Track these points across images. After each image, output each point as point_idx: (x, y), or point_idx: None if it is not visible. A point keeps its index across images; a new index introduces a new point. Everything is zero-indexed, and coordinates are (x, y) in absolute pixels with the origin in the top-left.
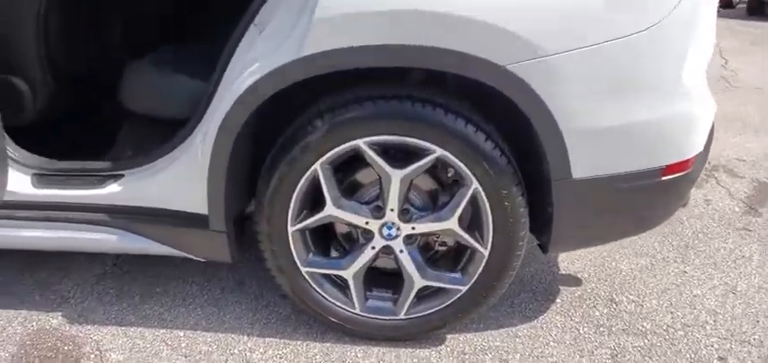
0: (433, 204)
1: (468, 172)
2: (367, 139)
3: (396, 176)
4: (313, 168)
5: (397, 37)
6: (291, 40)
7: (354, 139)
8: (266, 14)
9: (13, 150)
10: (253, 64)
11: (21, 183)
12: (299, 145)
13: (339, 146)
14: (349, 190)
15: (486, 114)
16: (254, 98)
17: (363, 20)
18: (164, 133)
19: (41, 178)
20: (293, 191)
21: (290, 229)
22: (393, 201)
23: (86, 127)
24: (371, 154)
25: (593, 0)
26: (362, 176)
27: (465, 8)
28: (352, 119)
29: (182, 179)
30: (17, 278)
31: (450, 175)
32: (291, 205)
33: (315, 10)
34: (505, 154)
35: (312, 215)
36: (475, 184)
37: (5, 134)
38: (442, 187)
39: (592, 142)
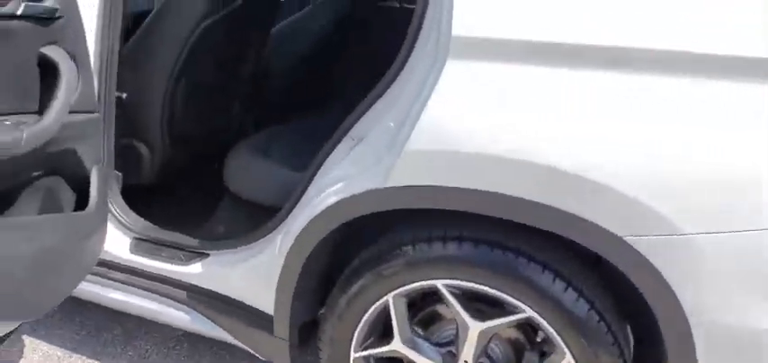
0: (517, 361)
1: (562, 344)
2: (447, 282)
3: (474, 328)
4: (385, 299)
5: (501, 185)
6: (382, 166)
7: (433, 279)
8: (364, 127)
9: (121, 212)
10: (338, 182)
11: (121, 246)
12: (373, 272)
13: (415, 282)
14: (423, 322)
15: (593, 280)
16: (334, 218)
17: (467, 161)
18: (257, 218)
19: (139, 244)
20: (361, 318)
21: (353, 355)
22: (468, 354)
23: (194, 191)
24: (450, 299)
25: (751, 178)
26: (440, 310)
27: (598, 172)
28: (432, 258)
29: (257, 274)
30: (108, 324)
31: (539, 339)
32: (357, 331)
33: (411, 136)
34: (612, 332)
35: (379, 345)
36: (569, 358)
37: (119, 194)
38: (531, 345)
39: (729, 344)
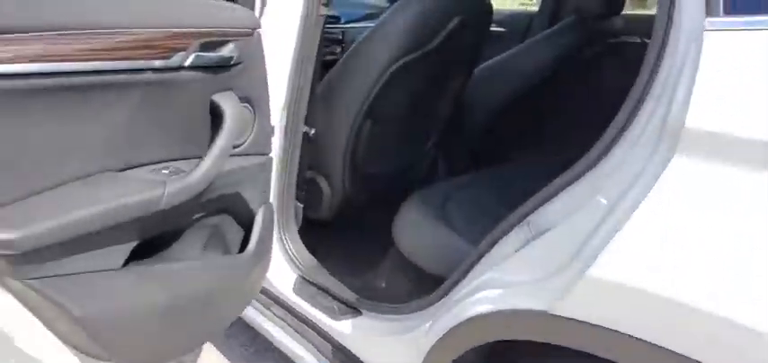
0: None
1: None
2: None
3: None
4: None
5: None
6: (560, 281)
7: None
8: (547, 218)
9: (293, 247)
10: (498, 284)
11: (285, 283)
12: None
13: None
14: None
15: None
16: (482, 331)
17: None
18: (419, 283)
19: (302, 285)
20: None
21: None
22: None
23: (368, 233)
24: None
25: None
26: None
27: None
28: None
29: (396, 355)
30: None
31: None
32: None
33: (609, 253)
34: None
35: None
36: None
37: (295, 228)
38: None
39: None
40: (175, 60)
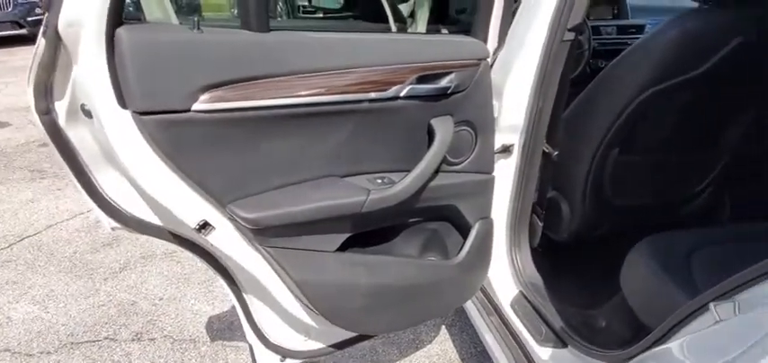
0: None
1: None
2: None
3: None
4: None
5: None
6: None
7: None
8: (750, 297)
9: (521, 263)
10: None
11: (506, 294)
12: None
13: None
14: None
15: None
16: None
17: None
18: (638, 332)
19: (518, 301)
20: None
21: None
22: None
23: (603, 263)
24: None
25: None
26: None
27: None
28: None
29: None
30: None
31: None
32: None
33: None
34: None
35: None
36: None
37: (526, 245)
38: None
39: None
40: (391, 92)
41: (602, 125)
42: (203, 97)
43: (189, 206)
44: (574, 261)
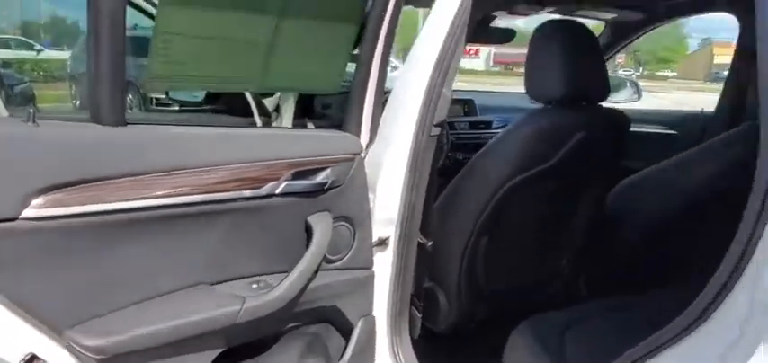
0: None
1: None
2: None
3: None
4: None
5: None
6: None
7: None
8: None
9: (404, 358)
10: None
11: None
12: None
13: None
14: None
15: None
16: None
17: None
18: None
19: None
20: None
21: None
22: None
23: (487, 349)
24: None
25: None
26: None
27: None
28: None
29: None
30: None
31: None
32: None
33: None
34: None
35: None
36: None
37: (408, 340)
38: None
39: None
40: (266, 189)
41: (472, 215)
42: (37, 201)
43: (10, 336)
44: (455, 349)
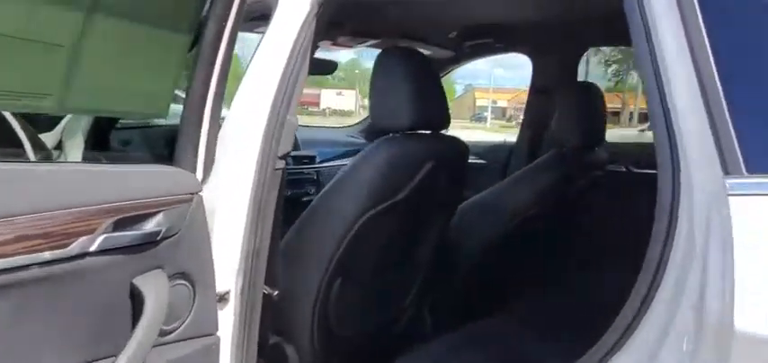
0: None
1: None
2: None
3: None
4: None
5: None
6: None
7: None
8: None
9: None
10: None
11: None
12: None
13: None
14: None
15: None
16: None
17: None
18: None
19: None
20: None
21: None
22: None
23: None
24: None
25: None
26: None
27: None
28: None
29: None
30: None
31: None
32: None
33: None
34: None
35: None
36: None
37: None
38: None
39: None
40: (75, 248)
41: (324, 257)
42: None
43: None
44: None
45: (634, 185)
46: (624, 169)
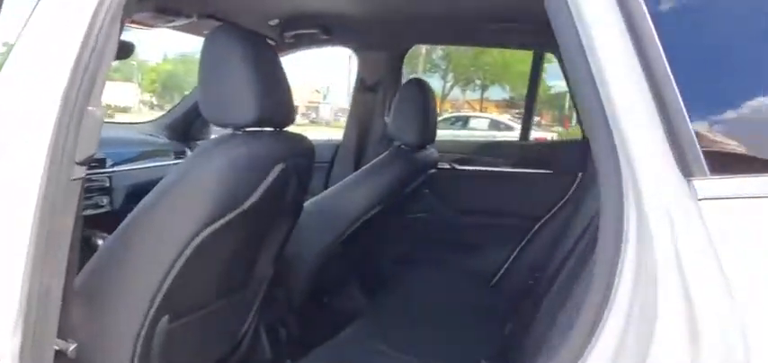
0: None
1: None
2: None
3: None
4: None
5: None
6: None
7: None
8: None
9: None
10: None
11: None
12: None
13: None
14: None
15: None
16: None
17: None
18: None
19: None
20: None
21: None
22: None
23: None
24: None
25: None
26: None
27: None
28: None
29: None
30: None
31: None
32: None
33: None
34: None
35: None
36: None
37: None
38: None
39: None
40: None
41: (147, 289)
42: None
43: None
44: None
45: (461, 182)
46: (448, 166)
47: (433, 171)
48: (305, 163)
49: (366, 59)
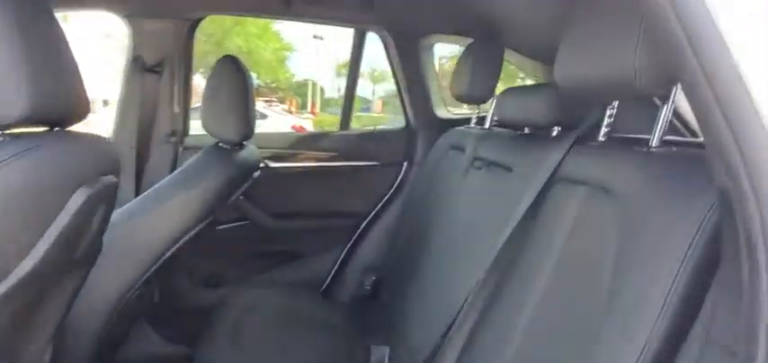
0: None
1: None
2: None
3: None
4: None
5: None
6: None
7: None
8: None
9: None
10: None
11: None
12: None
13: None
14: None
15: None
16: None
17: None
18: None
19: None
20: None
21: None
22: None
23: None
24: None
25: None
26: None
27: None
28: None
29: None
30: None
31: None
32: None
33: None
34: None
35: None
36: None
37: None
38: None
39: None
40: None
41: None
42: None
43: None
44: None
45: (277, 182)
46: (262, 165)
47: (257, 172)
48: (114, 182)
49: (141, 31)
